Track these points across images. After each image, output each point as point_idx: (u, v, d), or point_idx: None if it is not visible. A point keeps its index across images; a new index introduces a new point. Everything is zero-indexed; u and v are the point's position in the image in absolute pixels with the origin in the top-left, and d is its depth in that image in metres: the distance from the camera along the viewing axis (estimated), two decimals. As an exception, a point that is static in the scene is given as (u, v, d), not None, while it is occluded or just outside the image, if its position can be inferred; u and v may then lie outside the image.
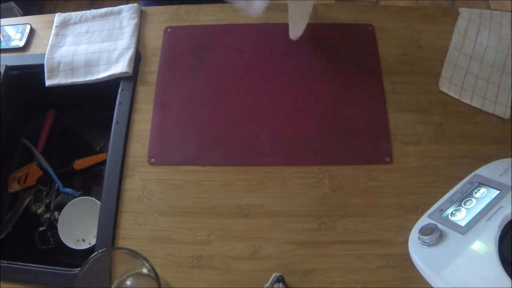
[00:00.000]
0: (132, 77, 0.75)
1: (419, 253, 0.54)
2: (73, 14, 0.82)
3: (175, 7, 0.83)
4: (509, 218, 0.51)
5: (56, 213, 0.81)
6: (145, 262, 0.54)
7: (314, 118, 0.71)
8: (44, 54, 0.77)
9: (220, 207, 0.65)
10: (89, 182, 0.85)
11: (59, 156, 0.87)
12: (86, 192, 0.83)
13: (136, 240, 0.63)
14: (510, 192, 0.54)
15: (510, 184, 0.55)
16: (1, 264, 0.62)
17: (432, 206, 0.60)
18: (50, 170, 0.84)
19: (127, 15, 0.81)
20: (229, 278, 0.61)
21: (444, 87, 0.73)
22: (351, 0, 0.77)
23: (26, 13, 1.60)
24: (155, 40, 0.80)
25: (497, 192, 0.55)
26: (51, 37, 0.80)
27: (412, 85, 0.73)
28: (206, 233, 0.64)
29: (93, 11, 0.82)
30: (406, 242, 0.57)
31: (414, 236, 0.57)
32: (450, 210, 0.57)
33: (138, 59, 0.77)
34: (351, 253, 0.62)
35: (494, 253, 0.48)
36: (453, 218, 0.55)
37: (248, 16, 0.64)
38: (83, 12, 0.82)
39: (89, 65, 0.76)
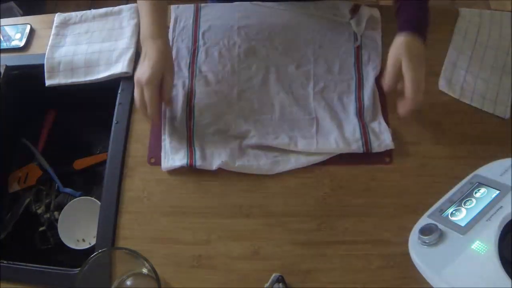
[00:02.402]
0: (132, 77, 0.75)
1: (419, 253, 0.54)
2: (73, 14, 0.82)
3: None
4: (509, 218, 0.51)
5: (56, 213, 0.80)
6: (145, 262, 0.54)
7: (314, 118, 0.71)
8: (44, 54, 0.77)
9: (220, 207, 0.65)
10: (89, 182, 0.85)
11: (59, 156, 0.87)
12: (86, 192, 0.83)
13: (136, 240, 0.63)
14: (510, 192, 0.54)
15: (510, 184, 0.55)
16: (1, 264, 0.62)
17: (432, 206, 0.59)
18: (50, 170, 0.84)
19: (127, 15, 0.81)
20: (229, 278, 0.61)
21: (444, 87, 0.73)
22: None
23: (26, 13, 1.60)
24: (155, 40, 0.79)
25: (497, 192, 0.55)
26: (51, 37, 0.80)
27: (412, 85, 0.73)
28: (206, 233, 0.64)
29: (93, 11, 0.82)
30: (406, 242, 0.57)
31: (414, 236, 0.56)
32: (450, 210, 0.57)
33: (138, 59, 0.77)
34: (351, 253, 0.61)
35: (494, 253, 0.48)
36: (453, 218, 0.55)
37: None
38: (83, 12, 0.82)
39: (89, 65, 0.76)
